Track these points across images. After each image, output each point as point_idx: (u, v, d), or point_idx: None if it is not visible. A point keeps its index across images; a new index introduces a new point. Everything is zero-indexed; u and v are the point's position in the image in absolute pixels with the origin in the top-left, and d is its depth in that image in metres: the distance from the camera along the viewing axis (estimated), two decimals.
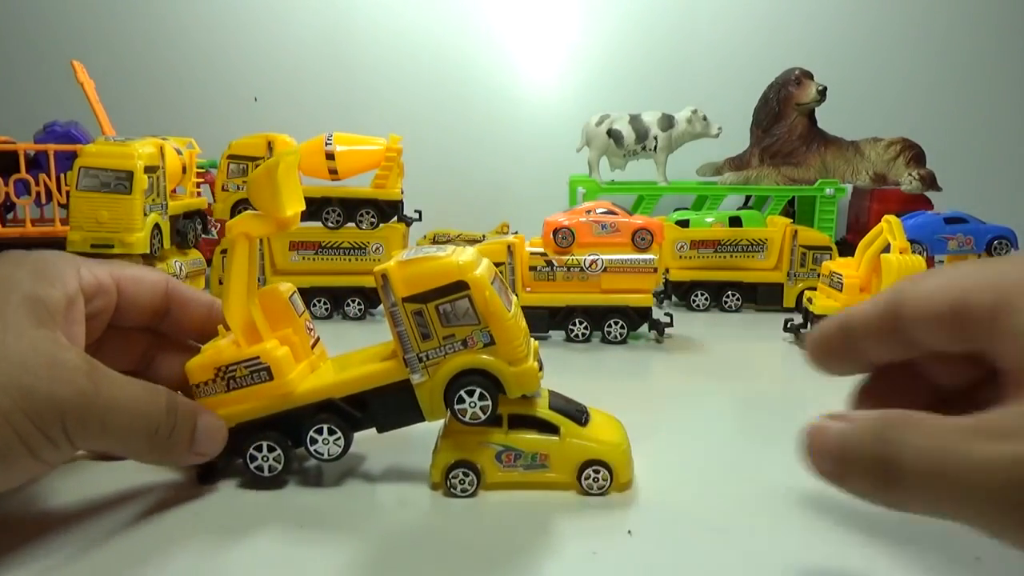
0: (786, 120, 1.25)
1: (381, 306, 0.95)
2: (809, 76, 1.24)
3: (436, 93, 1.50)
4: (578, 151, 1.32)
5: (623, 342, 0.82)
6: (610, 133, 1.27)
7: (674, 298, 1.04)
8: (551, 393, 0.47)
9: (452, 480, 0.44)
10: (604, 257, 0.81)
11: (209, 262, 0.94)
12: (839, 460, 0.30)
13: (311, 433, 0.44)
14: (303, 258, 0.92)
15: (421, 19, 1.48)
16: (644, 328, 0.84)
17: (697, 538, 0.40)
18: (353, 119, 1.44)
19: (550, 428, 0.45)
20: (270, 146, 0.88)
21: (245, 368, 0.44)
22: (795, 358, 0.79)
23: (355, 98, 1.50)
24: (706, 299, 1.01)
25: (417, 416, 0.45)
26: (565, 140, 1.38)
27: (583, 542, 0.39)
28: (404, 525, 0.42)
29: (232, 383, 0.44)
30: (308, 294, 0.91)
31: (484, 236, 1.34)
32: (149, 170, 0.75)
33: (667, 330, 0.83)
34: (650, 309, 0.83)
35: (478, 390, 0.43)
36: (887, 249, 0.76)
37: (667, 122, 1.27)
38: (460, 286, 0.42)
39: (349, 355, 0.50)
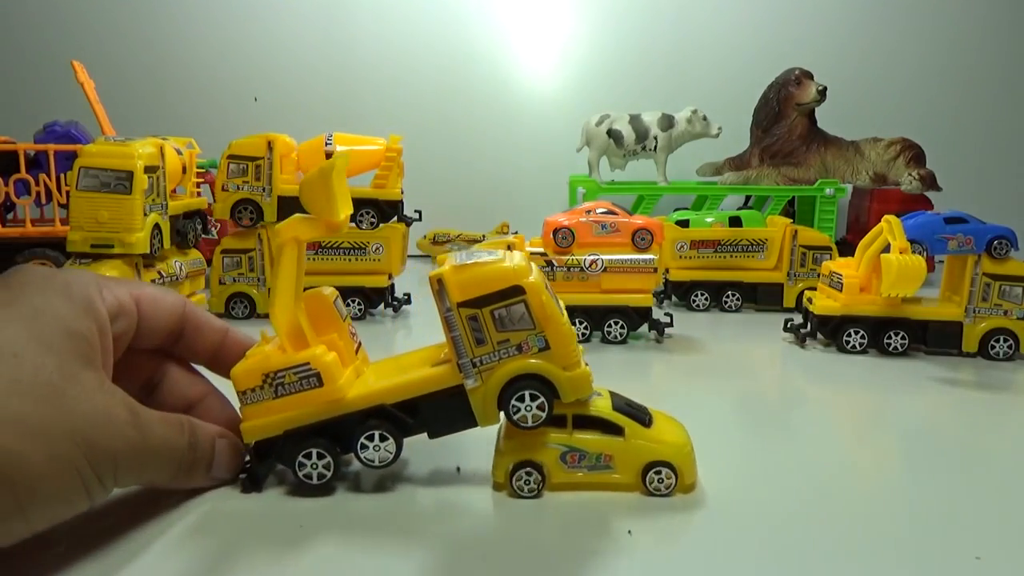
0: (786, 120, 1.25)
1: (380, 306, 0.95)
2: (809, 76, 1.24)
3: (436, 93, 1.50)
4: (578, 151, 1.32)
5: (623, 342, 0.82)
6: (610, 133, 1.27)
7: (674, 298, 1.04)
8: (612, 394, 0.47)
9: (516, 481, 0.44)
10: (604, 257, 0.81)
11: (209, 262, 0.94)
12: None
13: (362, 439, 0.44)
14: None
15: (421, 19, 1.48)
16: (644, 328, 0.84)
17: (707, 536, 0.40)
18: (353, 119, 1.44)
19: (614, 429, 0.45)
20: (270, 146, 0.88)
21: (294, 374, 0.43)
22: (795, 358, 0.79)
23: (355, 98, 1.50)
24: (706, 299, 1.01)
25: (470, 422, 0.44)
26: (565, 140, 1.38)
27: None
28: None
29: (280, 389, 0.43)
30: None
31: (484, 236, 1.34)
32: (149, 170, 0.74)
33: (667, 330, 0.84)
34: (650, 309, 0.83)
35: (528, 392, 0.42)
36: (887, 249, 0.76)
37: (667, 122, 1.27)
38: (516, 291, 0.41)
39: (392, 359, 0.50)
